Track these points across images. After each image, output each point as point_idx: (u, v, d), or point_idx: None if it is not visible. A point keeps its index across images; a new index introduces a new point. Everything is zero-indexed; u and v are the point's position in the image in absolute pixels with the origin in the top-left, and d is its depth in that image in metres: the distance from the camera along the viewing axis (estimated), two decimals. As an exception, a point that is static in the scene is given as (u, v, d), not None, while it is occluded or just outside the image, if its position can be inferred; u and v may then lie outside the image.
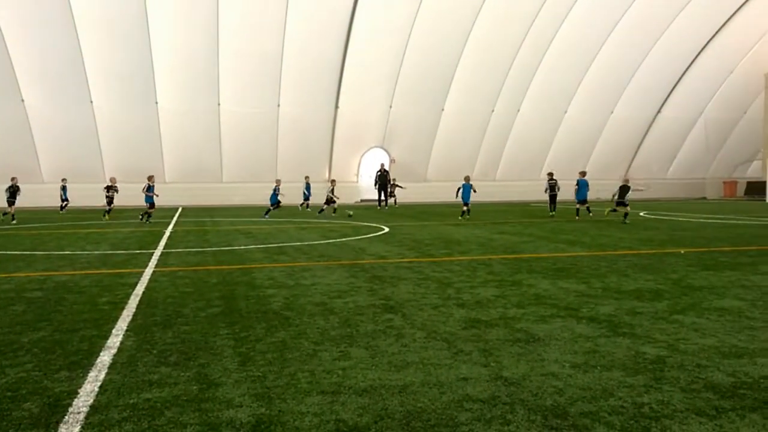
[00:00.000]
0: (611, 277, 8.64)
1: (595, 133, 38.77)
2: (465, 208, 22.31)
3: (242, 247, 13.04)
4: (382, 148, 36.39)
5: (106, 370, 4.48)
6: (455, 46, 32.88)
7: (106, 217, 22.57)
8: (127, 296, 7.44)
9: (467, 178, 23.04)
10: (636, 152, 40.59)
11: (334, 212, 24.79)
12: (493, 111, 36.15)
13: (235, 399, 3.89)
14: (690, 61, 36.87)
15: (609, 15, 33.40)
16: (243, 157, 33.77)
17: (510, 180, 38.34)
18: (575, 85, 36.33)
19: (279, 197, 24.24)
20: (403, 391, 4.00)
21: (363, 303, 6.93)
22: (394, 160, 35.63)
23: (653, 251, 11.82)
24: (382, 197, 30.23)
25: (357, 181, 36.92)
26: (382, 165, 31.81)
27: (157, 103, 31.26)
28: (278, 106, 32.96)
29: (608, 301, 6.99)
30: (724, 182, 42.65)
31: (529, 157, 38.07)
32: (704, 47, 36.19)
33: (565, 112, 37.31)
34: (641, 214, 24.00)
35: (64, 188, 26.66)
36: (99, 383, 4.20)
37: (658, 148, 40.55)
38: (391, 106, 34.70)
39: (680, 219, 21.25)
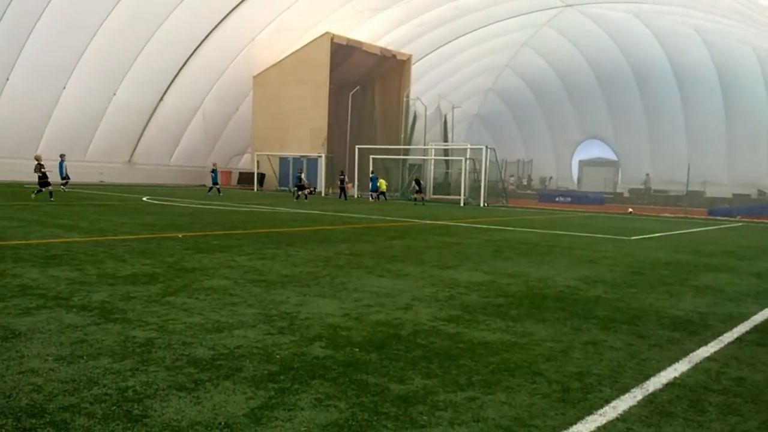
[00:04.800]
0: (108, 263, 8.42)
1: (98, 114, 37.21)
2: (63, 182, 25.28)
3: None
4: None
5: None
6: None
7: None
8: None
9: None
10: (140, 138, 40.58)
11: (305, 198, 28.25)
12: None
13: None
14: (189, 54, 38.47)
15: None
16: None
17: (-1, 157, 33.79)
18: (74, 63, 34.10)
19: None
20: None
21: None
22: None
23: (153, 236, 12.00)
24: None
25: None
26: None
27: None
28: None
29: (103, 287, 6.79)
30: (221, 171, 46.31)
31: (22, 134, 34.12)
32: (202, 42, 38.22)
33: (64, 88, 34.70)
34: (144, 198, 24.16)
35: None
36: None
37: (161, 135, 41.33)
38: None
39: (182, 204, 22.17)
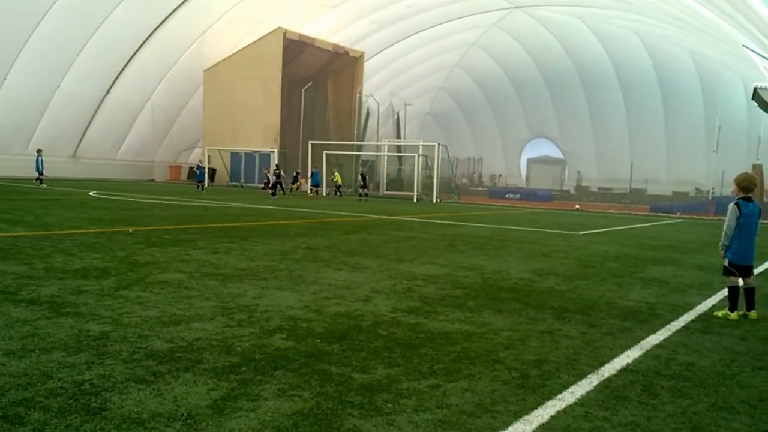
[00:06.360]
0: (56, 257, 8.17)
1: (41, 106, 35.86)
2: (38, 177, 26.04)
3: None
4: None
5: None
6: None
7: None
8: None
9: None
10: (86, 131, 39.33)
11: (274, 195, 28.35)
12: None
13: None
14: (137, 46, 37.40)
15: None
16: None
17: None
18: (16, 52, 32.79)
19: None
20: None
21: None
22: None
23: (102, 230, 11.70)
24: None
25: None
26: None
27: None
28: None
29: (52, 281, 6.58)
30: (170, 166, 45.37)
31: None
32: (151, 34, 37.17)
33: (5, 79, 33.36)
34: (90, 193, 23.48)
35: None
36: None
37: (108, 129, 40.06)
38: None
39: (130, 199, 21.63)
